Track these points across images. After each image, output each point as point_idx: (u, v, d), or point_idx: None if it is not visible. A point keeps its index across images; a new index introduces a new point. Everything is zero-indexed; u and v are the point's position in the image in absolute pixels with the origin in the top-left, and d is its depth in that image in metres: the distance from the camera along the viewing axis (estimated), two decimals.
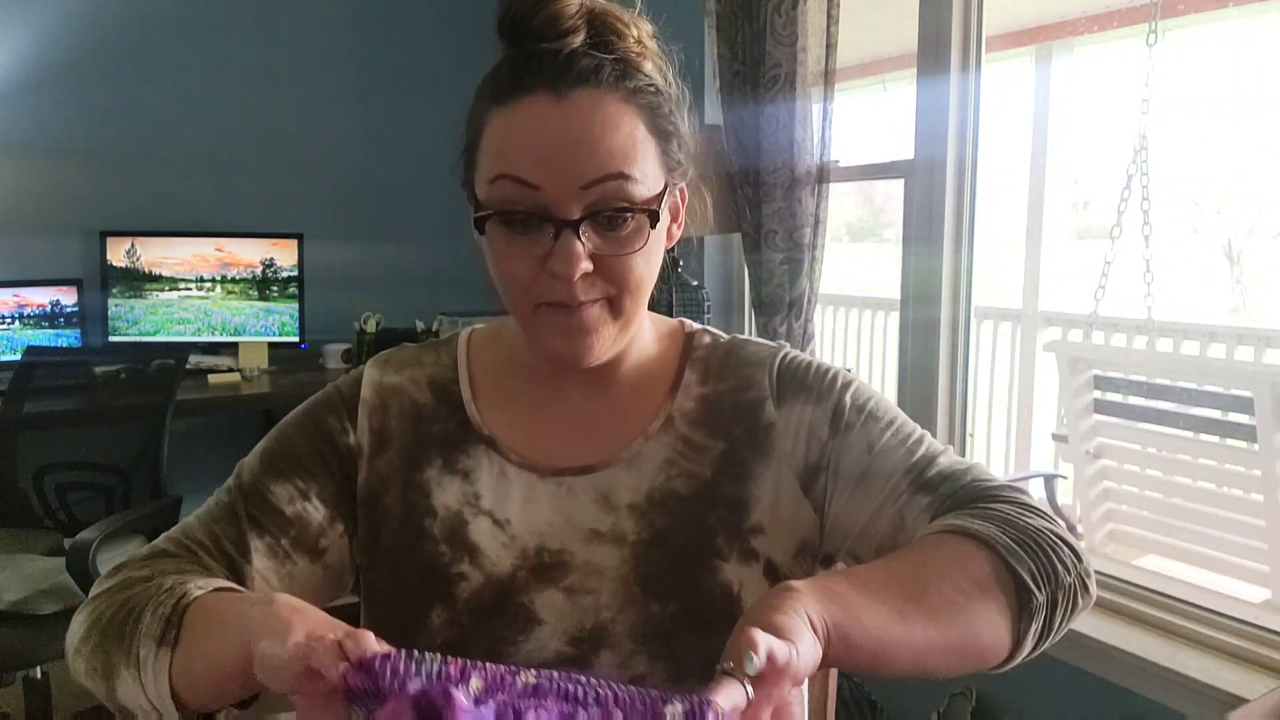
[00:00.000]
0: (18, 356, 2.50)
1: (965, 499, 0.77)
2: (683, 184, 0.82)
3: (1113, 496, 2.75)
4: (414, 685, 0.52)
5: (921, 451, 0.80)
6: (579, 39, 0.72)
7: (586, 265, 0.72)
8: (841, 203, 4.79)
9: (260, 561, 0.78)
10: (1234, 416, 2.52)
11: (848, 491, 0.80)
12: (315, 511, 0.81)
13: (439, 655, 0.54)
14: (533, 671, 0.54)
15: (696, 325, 0.90)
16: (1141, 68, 2.64)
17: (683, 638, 0.75)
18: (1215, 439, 2.60)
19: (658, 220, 0.74)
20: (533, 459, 0.81)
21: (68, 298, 2.85)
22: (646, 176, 0.73)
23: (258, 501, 0.80)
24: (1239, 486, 2.51)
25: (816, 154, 2.00)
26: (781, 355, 0.85)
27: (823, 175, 2.00)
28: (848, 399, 0.82)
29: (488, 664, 0.54)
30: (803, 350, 2.15)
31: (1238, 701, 1.35)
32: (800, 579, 0.71)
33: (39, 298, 2.81)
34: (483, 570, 0.77)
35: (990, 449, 4.08)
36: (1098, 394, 2.75)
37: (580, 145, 0.70)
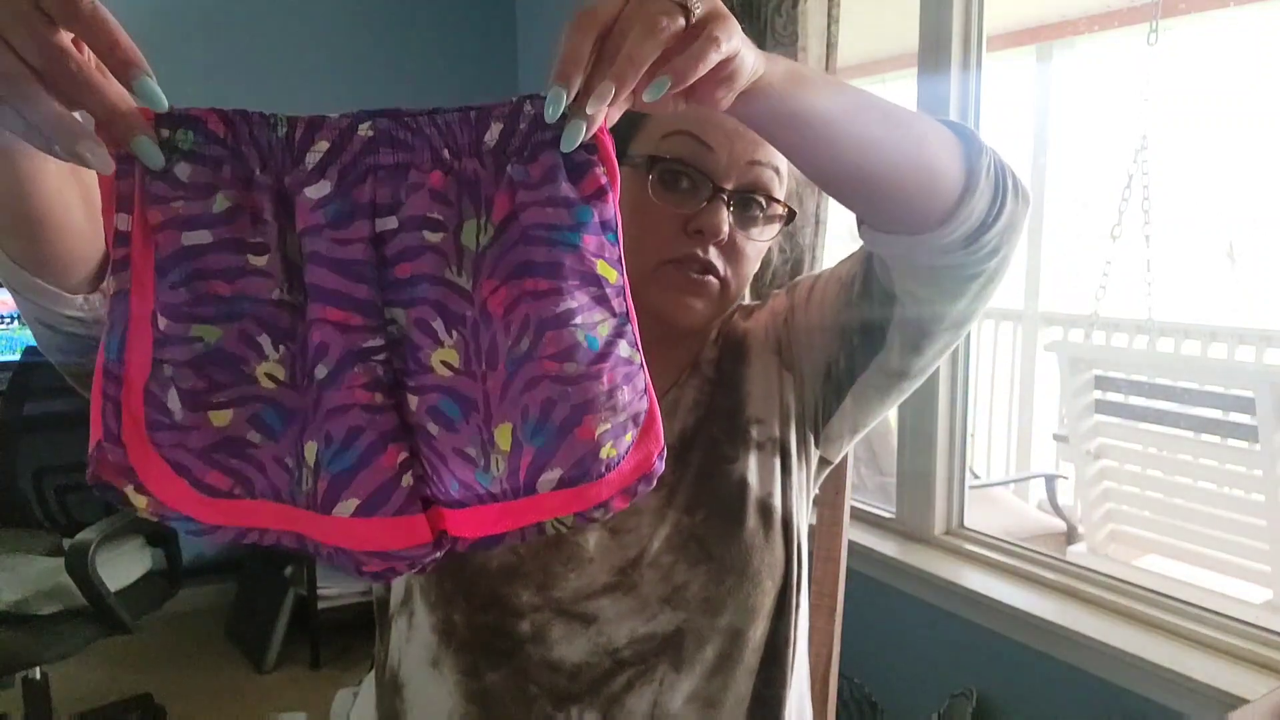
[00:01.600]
0: (17, 357, 2.50)
1: None
2: (789, 211, 0.86)
3: (1113, 497, 2.75)
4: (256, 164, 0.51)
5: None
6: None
7: (725, 231, 0.79)
8: None
9: None
10: (1235, 416, 2.52)
11: (815, 310, 0.88)
12: None
13: (280, 117, 0.52)
14: (367, 123, 0.52)
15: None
16: (1142, 66, 2.64)
17: (715, 538, 0.82)
18: (1216, 439, 2.60)
19: (792, 219, 0.84)
20: None
21: None
22: (785, 179, 0.83)
23: None
24: (1240, 487, 2.51)
25: None
26: (765, 297, 0.96)
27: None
28: (797, 281, 0.93)
29: (325, 119, 0.52)
30: None
31: (1238, 702, 1.34)
32: (801, 448, 0.88)
33: None
34: None
35: (991, 449, 4.08)
36: (1099, 394, 2.75)
37: (746, 135, 0.78)
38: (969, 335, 1.93)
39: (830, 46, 1.95)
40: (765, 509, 0.84)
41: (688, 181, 0.79)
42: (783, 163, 0.81)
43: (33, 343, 2.77)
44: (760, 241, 0.83)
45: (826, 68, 1.97)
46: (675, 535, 0.81)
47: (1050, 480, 3.18)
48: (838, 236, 2.01)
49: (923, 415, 1.95)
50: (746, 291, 0.91)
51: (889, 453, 2.74)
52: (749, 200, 0.81)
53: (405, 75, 3.27)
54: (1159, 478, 2.69)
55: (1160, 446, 2.69)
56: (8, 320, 2.77)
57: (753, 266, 0.84)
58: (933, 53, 1.85)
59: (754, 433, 0.87)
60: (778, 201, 0.82)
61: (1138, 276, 3.05)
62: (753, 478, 0.85)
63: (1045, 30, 3.60)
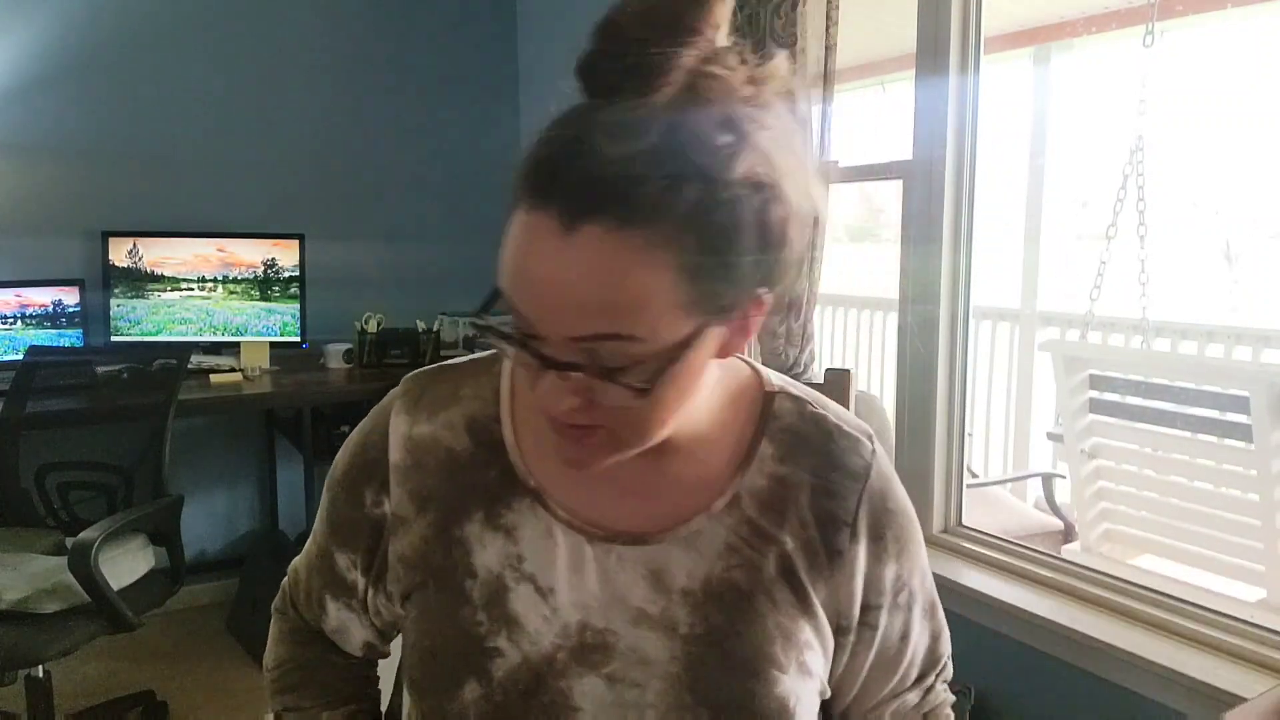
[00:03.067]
0: (20, 356, 2.51)
1: None
2: (759, 298, 0.64)
3: (1108, 496, 2.76)
4: None
5: (936, 656, 0.84)
6: (664, 95, 0.58)
7: (572, 400, 0.62)
8: (841, 203, 4.79)
9: (338, 615, 0.86)
10: (1230, 416, 2.52)
11: (875, 660, 0.80)
12: (360, 580, 0.83)
13: None
14: None
15: (776, 380, 0.79)
16: (1139, 68, 2.65)
17: None
18: (1211, 439, 2.61)
19: (671, 365, 0.61)
20: (583, 518, 0.73)
21: (70, 298, 2.85)
22: (657, 332, 0.59)
23: (327, 569, 0.85)
24: (1235, 486, 2.52)
25: (816, 154, 2.00)
26: (875, 480, 0.76)
27: (822, 176, 2.01)
28: (908, 577, 0.79)
29: None
30: (801, 352, 2.15)
31: (1236, 700, 1.35)
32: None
33: (41, 298, 2.82)
34: (520, 649, 0.72)
35: (989, 448, 4.09)
36: (1094, 393, 2.75)
37: (574, 296, 0.57)
38: (968, 335, 1.94)
39: (829, 48, 1.96)
40: None
41: (518, 345, 0.62)
42: (639, 321, 0.58)
43: (35, 341, 2.79)
44: (641, 396, 0.61)
45: (825, 69, 1.98)
46: None
47: (1047, 479, 3.20)
48: (836, 238, 2.02)
49: (921, 414, 1.96)
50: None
51: (888, 451, 2.75)
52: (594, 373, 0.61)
53: (405, 75, 3.28)
54: (1153, 477, 2.70)
55: (1155, 446, 2.70)
56: (10, 320, 2.78)
57: (657, 410, 0.64)
58: (931, 54, 1.86)
59: (809, 659, 0.73)
60: (629, 380, 0.60)
61: (1134, 276, 3.06)
62: (798, 708, 0.71)
63: (1043, 32, 3.61)
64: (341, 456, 0.83)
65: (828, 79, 1.98)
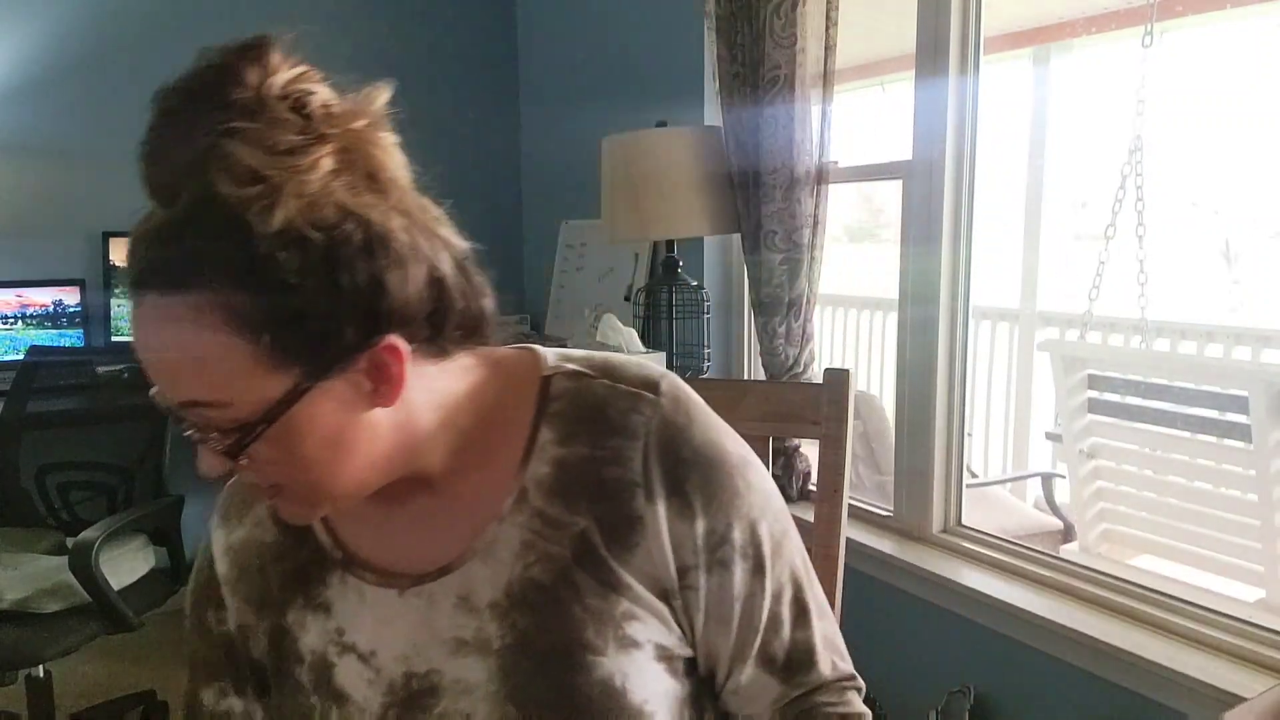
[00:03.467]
0: (21, 356, 2.51)
1: (811, 711, 0.79)
2: (382, 344, 0.62)
3: (1107, 496, 2.76)
4: None
5: (778, 611, 0.77)
6: (180, 204, 0.58)
7: (214, 461, 0.64)
8: (840, 203, 4.80)
9: None
10: (1229, 416, 2.53)
11: (704, 619, 0.75)
12: (236, 705, 0.82)
13: None
14: None
15: (553, 359, 0.76)
16: (1138, 69, 2.65)
17: None
18: (1210, 439, 2.61)
19: (253, 438, 0.62)
20: (391, 572, 0.74)
21: (70, 298, 2.85)
22: (238, 392, 0.60)
23: (195, 714, 0.83)
24: (1234, 486, 2.52)
25: (815, 155, 2.01)
26: (659, 432, 0.72)
27: (822, 176, 2.01)
28: (724, 529, 0.72)
29: None
30: (801, 352, 2.15)
31: (1235, 700, 1.35)
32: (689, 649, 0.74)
33: (42, 298, 2.82)
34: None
35: (988, 448, 4.10)
36: (1092, 393, 2.76)
37: (154, 363, 0.61)
38: (967, 335, 1.95)
39: (829, 48, 1.97)
40: (636, 716, 0.72)
41: None
42: (207, 384, 0.60)
43: (35, 341, 2.79)
44: (267, 458, 0.63)
45: (825, 69, 1.98)
46: None
47: (1047, 479, 3.20)
48: (836, 238, 2.03)
49: (920, 414, 1.97)
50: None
51: (887, 451, 2.76)
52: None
53: (404, 75, 3.27)
54: (1152, 477, 2.70)
55: (1154, 446, 2.70)
56: (11, 320, 2.78)
57: (301, 466, 0.64)
58: (931, 55, 1.86)
59: (631, 631, 0.71)
60: (217, 442, 0.63)
61: (1133, 276, 3.06)
62: (627, 684, 0.71)
63: (1043, 32, 3.61)
64: (187, 592, 0.85)
65: (828, 79, 1.99)
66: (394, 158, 0.66)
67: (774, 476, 0.92)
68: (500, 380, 0.74)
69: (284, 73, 0.63)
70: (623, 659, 0.71)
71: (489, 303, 0.70)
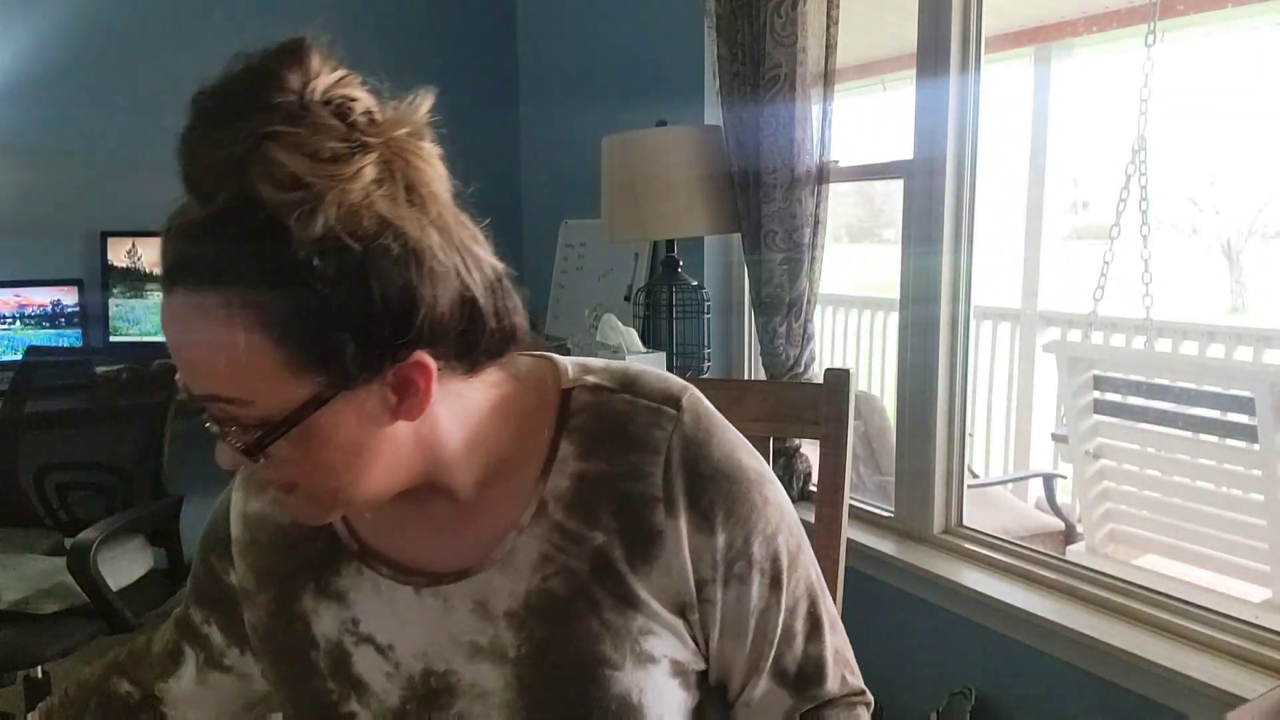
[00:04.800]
0: (19, 356, 2.50)
1: None
2: (410, 362, 0.62)
3: (1112, 496, 2.76)
4: None
5: (793, 623, 0.77)
6: (217, 203, 0.58)
7: (231, 457, 0.65)
8: (841, 203, 4.79)
9: (187, 677, 0.88)
10: (1233, 416, 2.52)
11: (719, 632, 0.76)
12: (216, 637, 0.86)
13: None
14: None
15: (573, 370, 0.76)
16: (1140, 68, 2.64)
17: None
18: (1215, 439, 2.60)
19: (272, 438, 0.61)
20: (408, 569, 0.74)
21: (69, 298, 2.85)
22: (261, 393, 0.60)
23: (185, 617, 0.89)
24: (1239, 486, 2.51)
25: (816, 154, 2.00)
26: (680, 448, 0.72)
27: (822, 175, 2.01)
28: (743, 544, 0.73)
29: None
30: (801, 352, 2.15)
31: (1237, 701, 1.35)
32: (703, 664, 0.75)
33: (40, 298, 2.82)
34: (370, 709, 0.75)
35: (990, 449, 4.09)
36: (1097, 394, 2.75)
37: (181, 356, 0.62)
38: (968, 335, 1.94)
39: (829, 48, 1.96)
40: None
41: None
42: (230, 380, 0.60)
43: (34, 341, 2.79)
44: (279, 459, 0.63)
45: (825, 68, 1.98)
46: None
47: (1049, 480, 3.19)
48: (836, 238, 2.02)
49: (922, 414, 1.96)
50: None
51: (888, 452, 2.75)
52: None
53: (404, 75, 3.27)
54: (1157, 477, 2.70)
55: (1159, 446, 2.70)
56: (9, 320, 2.77)
57: (314, 469, 0.64)
58: (931, 54, 1.86)
59: (648, 646, 0.72)
60: (235, 440, 0.63)
61: (1136, 277, 3.06)
62: (644, 699, 0.71)
63: (1044, 31, 3.60)
64: (202, 531, 0.87)
65: (828, 78, 1.98)
66: (435, 169, 0.65)
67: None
68: (523, 394, 0.74)
69: (325, 77, 0.63)
70: (640, 674, 0.71)
71: (522, 321, 0.69)
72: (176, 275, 0.60)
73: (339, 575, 0.76)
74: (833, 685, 0.80)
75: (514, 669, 0.71)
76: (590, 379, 0.75)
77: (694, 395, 0.75)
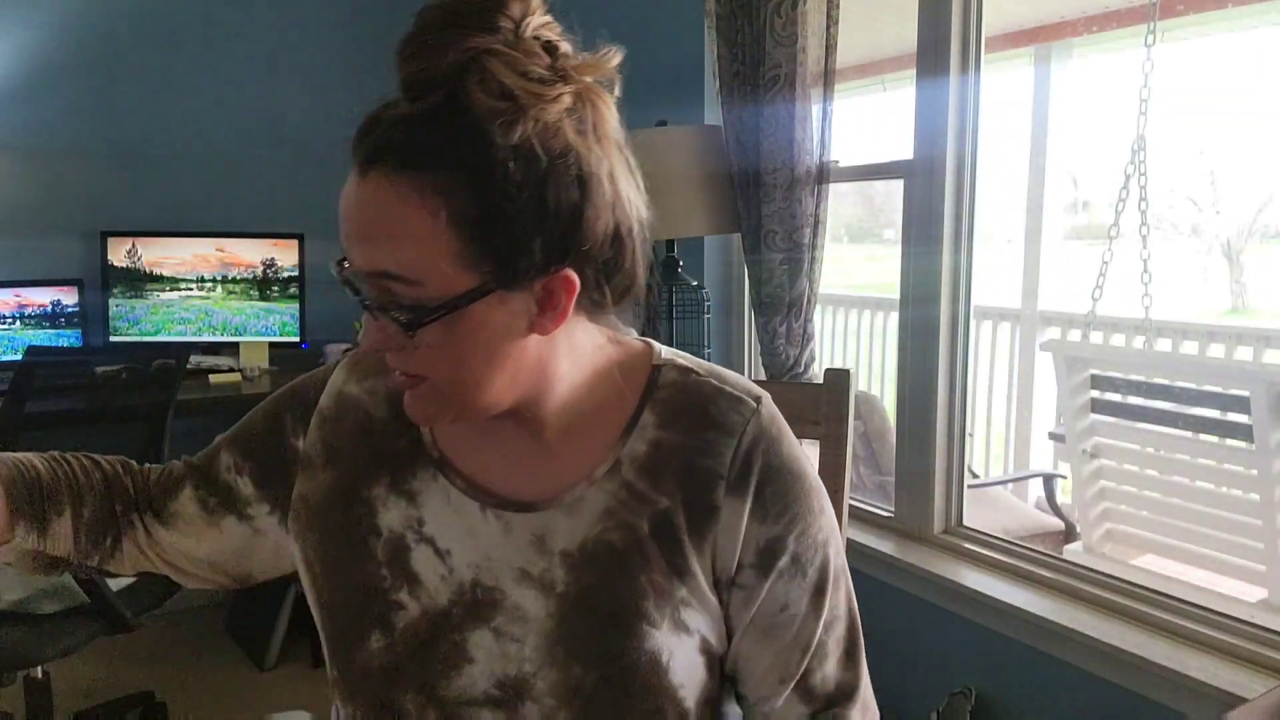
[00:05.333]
0: (19, 356, 2.50)
1: None
2: (558, 275, 0.68)
3: (1110, 496, 2.76)
4: None
5: (826, 639, 0.79)
6: (429, 102, 0.65)
7: (377, 336, 0.70)
8: (841, 203, 4.79)
9: (187, 504, 0.90)
10: (1233, 416, 2.52)
11: (746, 629, 0.78)
12: (244, 487, 0.89)
13: None
14: None
15: (666, 353, 0.83)
16: (1140, 68, 2.65)
17: (605, 704, 0.74)
18: (1213, 439, 2.61)
19: (432, 318, 0.66)
20: (478, 487, 0.79)
21: (69, 298, 2.85)
22: (429, 278, 0.65)
23: (206, 457, 0.92)
24: (1236, 486, 2.52)
25: (816, 154, 2.00)
26: (753, 435, 0.76)
27: (822, 175, 2.01)
28: (792, 541, 0.76)
29: None
30: (801, 352, 2.15)
31: (1236, 701, 1.35)
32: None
33: (40, 298, 2.82)
34: (420, 602, 0.77)
35: (989, 449, 4.09)
36: (1095, 393, 2.75)
37: (363, 232, 0.67)
38: (968, 335, 1.94)
39: (829, 48, 1.96)
40: (671, 697, 0.75)
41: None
42: (407, 261, 0.66)
43: (33, 341, 2.79)
44: (425, 346, 0.68)
45: (825, 68, 1.98)
46: (563, 685, 0.73)
47: (1049, 479, 3.20)
48: (836, 238, 2.02)
49: (921, 415, 1.96)
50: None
51: (887, 452, 2.75)
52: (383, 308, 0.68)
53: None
54: (1155, 477, 2.70)
55: (1157, 446, 2.70)
56: (9, 320, 2.77)
57: (451, 368, 0.69)
58: (931, 54, 1.86)
59: (687, 618, 0.75)
60: (403, 310, 0.67)
61: (1136, 276, 3.06)
62: (671, 662, 0.74)
63: (1044, 31, 3.61)
64: (281, 389, 0.91)
65: (828, 78, 1.98)
66: (614, 115, 0.72)
67: None
68: (621, 360, 0.81)
69: (539, 16, 0.69)
70: (673, 639, 0.74)
71: (643, 273, 0.75)
72: (377, 158, 0.66)
73: (415, 477, 0.80)
74: (855, 715, 0.82)
75: (558, 603, 0.74)
76: (681, 361, 0.82)
77: (770, 399, 0.80)
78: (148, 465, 0.96)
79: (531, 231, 0.66)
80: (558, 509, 0.76)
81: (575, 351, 0.76)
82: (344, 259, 0.70)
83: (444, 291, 0.66)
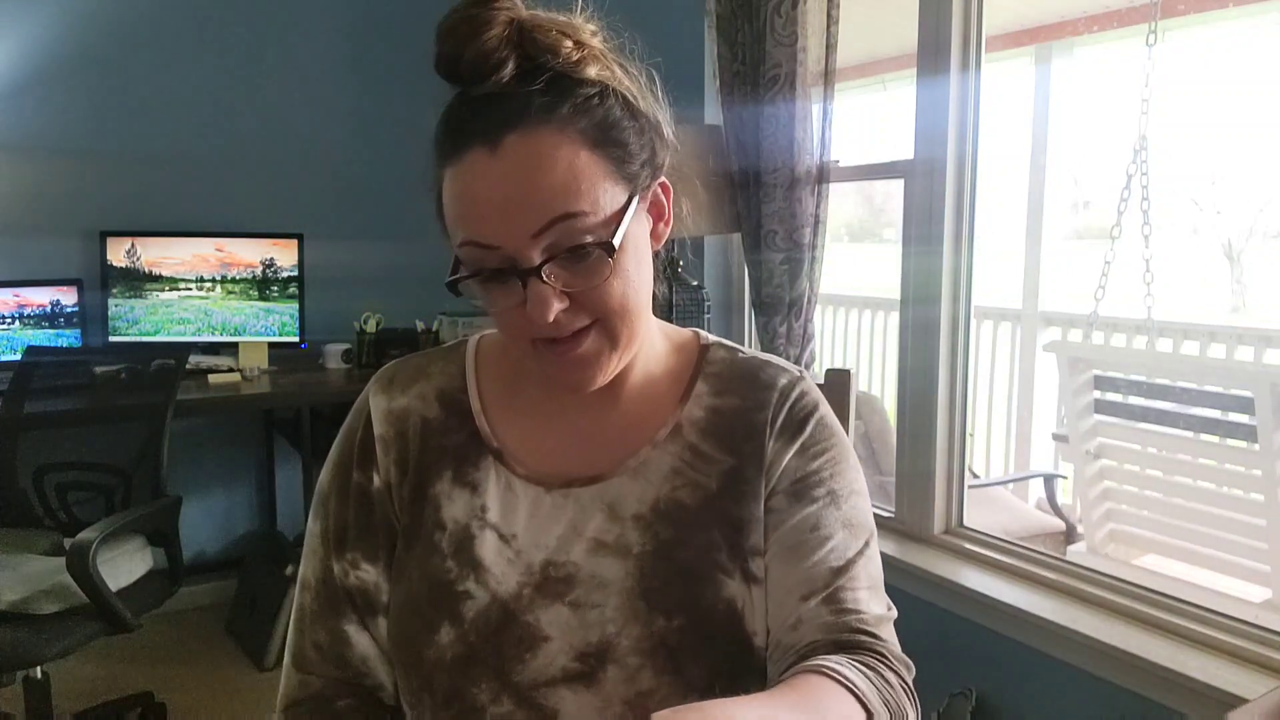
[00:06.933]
0: (18, 356, 2.50)
1: (861, 648, 0.75)
2: (659, 181, 0.78)
3: (1113, 496, 2.75)
4: None
5: (855, 565, 0.80)
6: (508, 70, 0.71)
7: (560, 304, 0.72)
8: (841, 203, 4.78)
9: (359, 640, 0.84)
10: (1234, 416, 2.52)
11: (776, 549, 0.79)
12: (369, 573, 0.84)
13: None
14: None
15: (712, 338, 0.89)
16: (1141, 68, 2.64)
17: (689, 653, 0.76)
18: (1215, 439, 2.60)
19: (619, 244, 0.72)
20: (540, 471, 0.82)
21: (68, 298, 2.85)
22: (599, 202, 0.71)
23: (328, 592, 0.85)
24: (1239, 486, 2.51)
25: (816, 154, 2.00)
26: (797, 390, 0.84)
27: (823, 175, 2.00)
28: (828, 479, 0.81)
29: None
30: (802, 352, 2.14)
31: (1238, 701, 1.35)
32: None
33: (39, 298, 2.81)
34: (488, 589, 0.78)
35: (990, 449, 4.09)
36: (1098, 394, 2.75)
37: (521, 195, 0.69)
38: (969, 335, 1.93)
39: (829, 47, 1.96)
40: (748, 645, 0.78)
41: (497, 280, 0.72)
42: (577, 194, 0.70)
43: (33, 341, 2.78)
44: (609, 278, 0.73)
45: (825, 68, 1.97)
46: (648, 639, 0.75)
47: (1049, 480, 3.19)
48: (837, 237, 2.02)
49: (922, 415, 1.96)
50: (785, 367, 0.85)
51: (888, 452, 2.75)
52: (565, 259, 0.71)
53: (405, 74, 3.27)
54: (1158, 477, 2.69)
55: (1159, 446, 2.69)
56: (8, 320, 2.77)
57: (628, 291, 0.74)
58: (932, 53, 1.86)
59: (754, 567, 0.79)
60: (596, 243, 0.71)
61: (1137, 277, 3.06)
62: (745, 610, 0.78)
63: (1044, 31, 3.60)
64: (327, 466, 0.88)
65: (828, 78, 1.98)
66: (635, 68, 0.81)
67: None
68: (671, 341, 0.88)
69: None
70: (744, 588, 0.78)
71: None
72: (507, 125, 0.70)
73: (476, 468, 0.83)
74: (887, 636, 0.79)
75: (636, 563, 0.78)
76: (728, 343, 0.89)
77: (810, 379, 0.88)
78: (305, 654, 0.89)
79: (639, 144, 0.75)
80: (623, 475, 0.81)
81: (649, 312, 0.81)
82: (456, 271, 0.73)
83: (609, 214, 0.72)
